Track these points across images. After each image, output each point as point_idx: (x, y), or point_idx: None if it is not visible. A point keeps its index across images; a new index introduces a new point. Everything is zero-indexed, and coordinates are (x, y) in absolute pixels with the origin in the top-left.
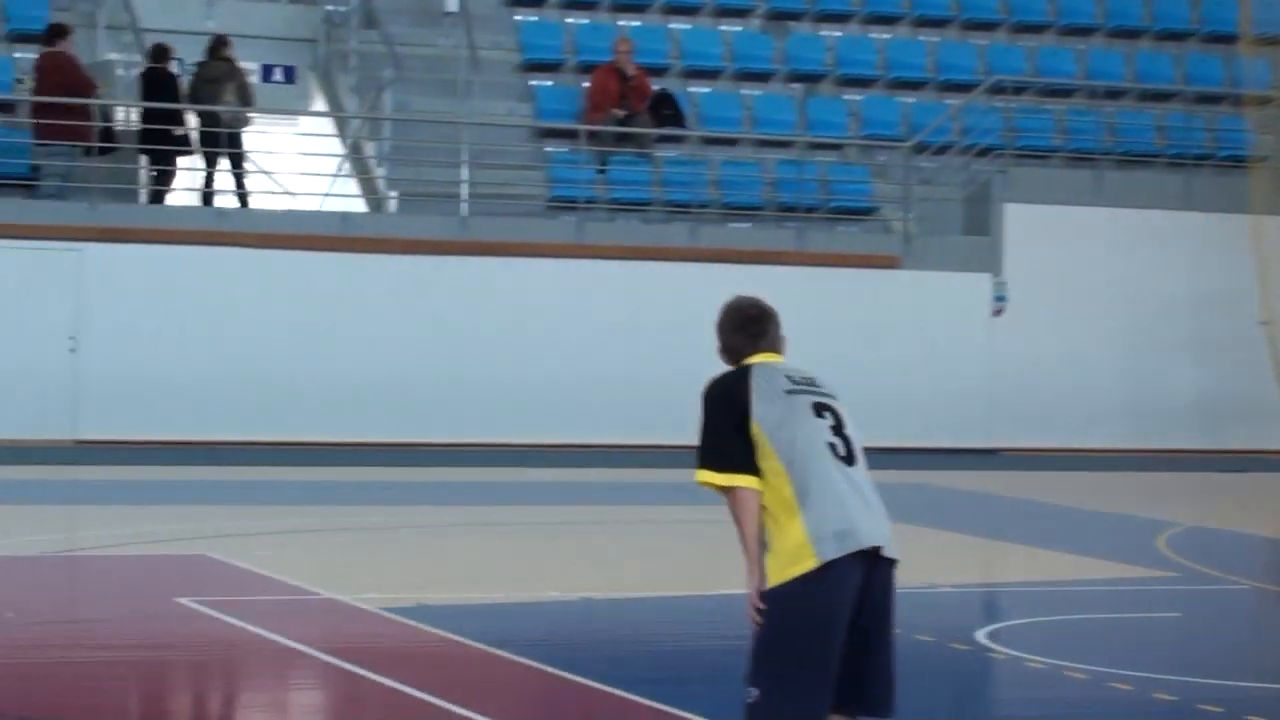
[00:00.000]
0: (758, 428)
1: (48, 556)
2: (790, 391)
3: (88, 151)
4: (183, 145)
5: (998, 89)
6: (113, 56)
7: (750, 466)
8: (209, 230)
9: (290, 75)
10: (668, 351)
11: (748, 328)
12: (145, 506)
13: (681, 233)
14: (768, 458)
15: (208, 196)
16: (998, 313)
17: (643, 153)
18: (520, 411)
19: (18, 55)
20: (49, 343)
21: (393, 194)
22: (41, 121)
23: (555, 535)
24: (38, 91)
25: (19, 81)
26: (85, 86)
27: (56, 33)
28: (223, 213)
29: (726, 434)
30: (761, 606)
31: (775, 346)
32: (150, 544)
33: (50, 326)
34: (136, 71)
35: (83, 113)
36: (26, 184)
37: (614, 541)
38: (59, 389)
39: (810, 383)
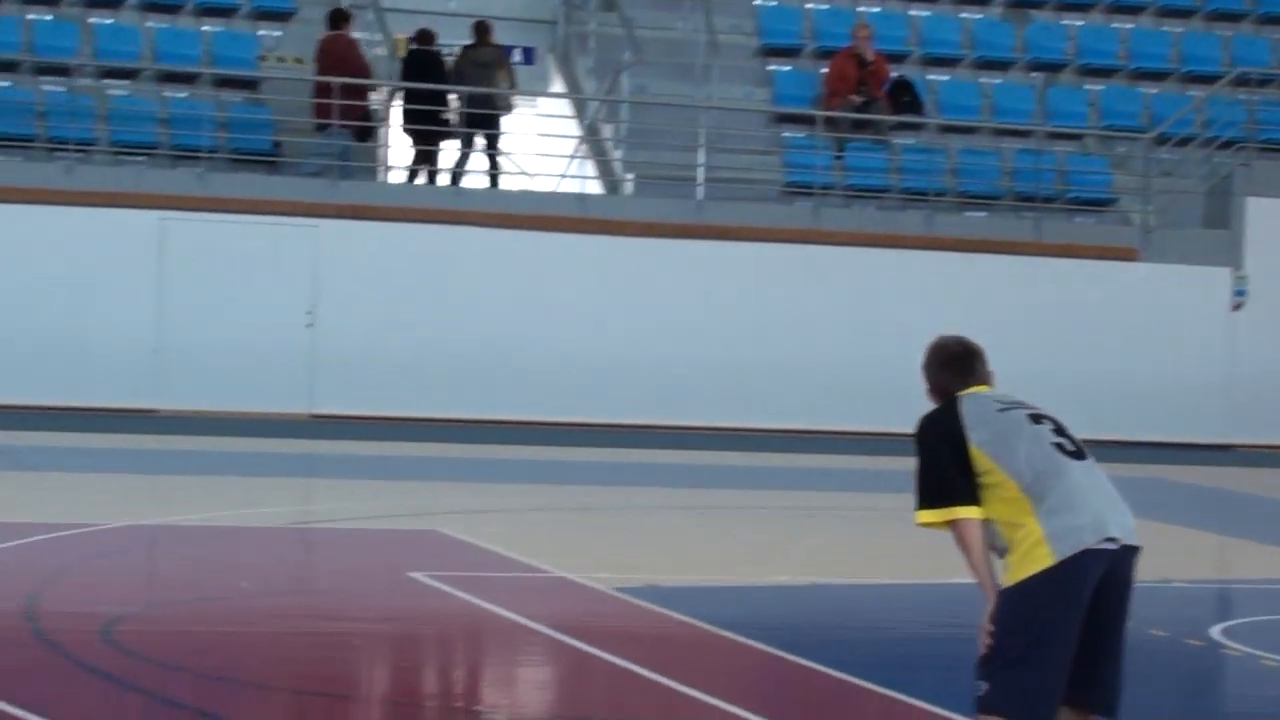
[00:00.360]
0: (977, 450)
1: (284, 528)
2: (1001, 410)
3: (362, 135)
4: (443, 127)
5: (1242, 81)
6: (356, 36)
7: (970, 496)
8: (446, 209)
9: (529, 57)
10: (899, 339)
11: (954, 365)
12: (379, 481)
13: (917, 220)
14: (993, 473)
15: (457, 176)
16: (1237, 307)
17: (880, 139)
18: (748, 395)
19: (261, 33)
20: (287, 318)
21: (629, 176)
22: (320, 102)
23: (786, 520)
24: (319, 73)
25: (262, 59)
26: (363, 71)
27: (339, 18)
28: (460, 192)
29: (943, 467)
30: (992, 629)
31: (984, 381)
32: (384, 519)
33: (288, 301)
34: (375, 51)
35: (357, 95)
36: (269, 160)
37: (844, 527)
38: (296, 364)
39: (1019, 403)
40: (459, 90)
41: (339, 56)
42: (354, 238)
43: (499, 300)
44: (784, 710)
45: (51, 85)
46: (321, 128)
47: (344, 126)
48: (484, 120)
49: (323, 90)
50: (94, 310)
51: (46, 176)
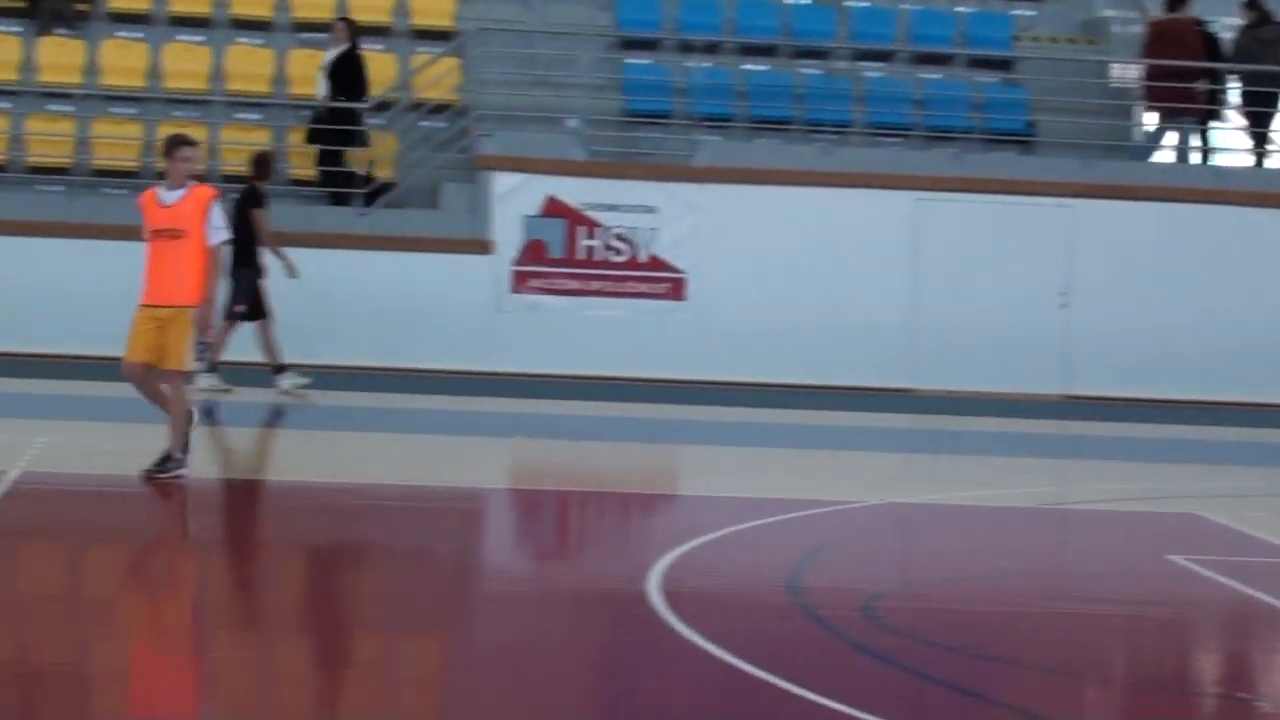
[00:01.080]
0: None
1: (1039, 508)
2: None
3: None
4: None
5: None
6: (1109, 14)
7: None
8: (1204, 188)
9: None
10: None
11: None
12: (1135, 463)
13: None
14: None
15: (1260, 158)
16: None
17: None
18: None
19: (1016, 12)
20: (1040, 298)
21: None
22: (1154, 85)
23: None
24: (1149, 55)
25: (1017, 39)
26: (1199, 54)
27: (1177, 0)
28: (1220, 171)
29: None
30: None
31: None
32: (1141, 501)
33: (1041, 282)
34: (1130, 28)
35: (1183, 78)
36: (1023, 140)
37: None
38: (1050, 344)
39: None
40: (1246, 69)
41: (1176, 39)
42: (1110, 218)
43: (1259, 280)
44: None
45: (809, 68)
46: (1164, 113)
47: (1180, 110)
48: (1265, 98)
49: (1161, 74)
50: (850, 290)
51: (804, 158)
